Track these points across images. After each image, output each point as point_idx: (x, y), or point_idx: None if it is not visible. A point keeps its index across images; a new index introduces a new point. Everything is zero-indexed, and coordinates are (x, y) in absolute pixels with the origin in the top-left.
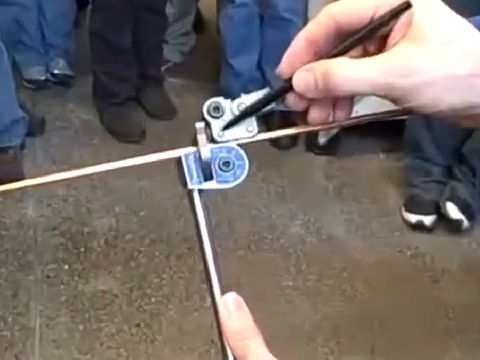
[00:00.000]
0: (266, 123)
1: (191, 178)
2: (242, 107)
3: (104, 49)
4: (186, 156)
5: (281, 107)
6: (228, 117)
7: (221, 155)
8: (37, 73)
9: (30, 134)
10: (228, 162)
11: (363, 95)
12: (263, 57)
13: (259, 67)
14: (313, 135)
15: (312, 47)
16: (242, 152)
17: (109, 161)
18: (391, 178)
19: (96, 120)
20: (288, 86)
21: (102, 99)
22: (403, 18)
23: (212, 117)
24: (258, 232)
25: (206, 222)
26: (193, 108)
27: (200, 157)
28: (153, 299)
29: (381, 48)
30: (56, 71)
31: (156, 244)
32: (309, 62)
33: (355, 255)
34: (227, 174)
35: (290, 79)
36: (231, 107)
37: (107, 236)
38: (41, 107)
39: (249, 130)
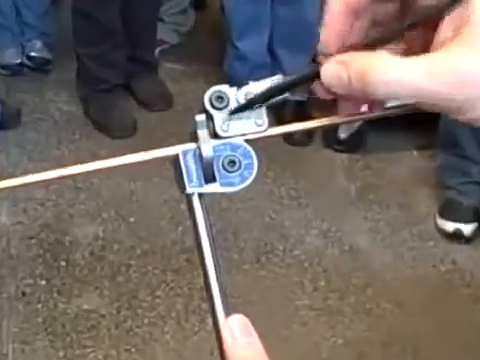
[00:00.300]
0: (277, 115)
1: (190, 180)
2: (250, 97)
3: (89, 29)
4: (184, 154)
5: (296, 96)
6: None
7: (225, 153)
8: (11, 56)
9: (3, 127)
10: (234, 161)
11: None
12: (274, 38)
13: (270, 50)
14: (332, 129)
15: (350, 15)
16: (250, 149)
17: (94, 159)
18: (424, 179)
19: (79, 111)
20: (315, 73)
21: (87, 87)
22: (456, 12)
23: (215, 108)
24: (268, 242)
25: (207, 231)
26: (192, 97)
27: (201, 155)
28: (146, 320)
29: (426, 40)
30: (33, 54)
31: (149, 256)
32: (348, 34)
33: (382, 269)
34: (232, 175)
35: (316, 64)
36: (237, 96)
37: (92, 246)
38: (16, 96)
39: (258, 123)
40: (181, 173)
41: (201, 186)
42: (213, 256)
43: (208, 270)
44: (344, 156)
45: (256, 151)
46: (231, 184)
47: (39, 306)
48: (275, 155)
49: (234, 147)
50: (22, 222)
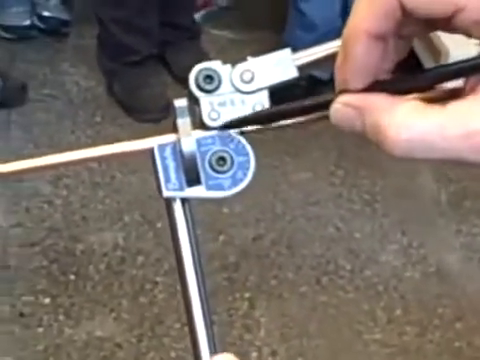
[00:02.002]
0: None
1: (167, 180)
2: (247, 77)
3: None
4: (161, 148)
5: None
6: (226, 90)
7: (214, 148)
8: (18, 16)
9: (4, 105)
10: (224, 158)
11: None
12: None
13: (343, 14)
14: None
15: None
16: (246, 144)
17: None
18: None
19: (101, 88)
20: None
21: (112, 58)
22: None
23: (202, 90)
24: (332, 259)
25: (191, 246)
26: None
27: (181, 151)
28: (173, 353)
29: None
30: (46, 13)
31: None
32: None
33: (477, 298)
34: (222, 176)
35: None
36: (231, 76)
37: (110, 258)
38: (22, 66)
39: (257, 110)
40: (157, 172)
41: (181, 189)
42: (197, 278)
43: (190, 295)
44: None
45: (254, 145)
46: (220, 187)
47: (40, 330)
48: (345, 148)
49: (225, 140)
50: (23, 224)
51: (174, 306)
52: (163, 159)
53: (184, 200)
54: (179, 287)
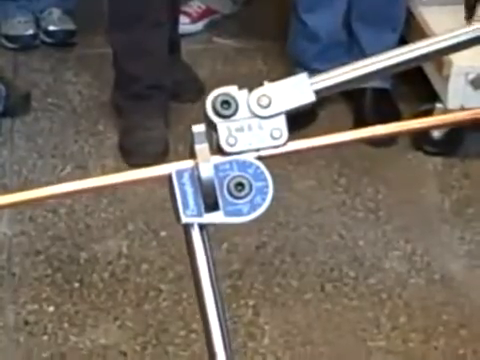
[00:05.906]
0: (355, 103)
1: (186, 207)
2: (265, 102)
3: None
4: (179, 174)
5: (376, 83)
6: (244, 115)
7: (232, 173)
8: (21, 26)
9: (8, 114)
10: (242, 184)
11: None
12: (353, 10)
13: (346, 25)
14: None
15: None
16: (264, 169)
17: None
18: None
19: (104, 96)
20: None
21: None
22: None
23: (220, 116)
24: (336, 266)
25: (209, 270)
26: (249, 81)
27: (199, 176)
28: None
29: None
30: (52, 28)
31: (184, 280)
32: None
33: None
34: (240, 202)
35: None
36: (249, 101)
37: (114, 266)
38: (25, 76)
39: (275, 136)
40: (175, 198)
41: (200, 215)
42: (216, 301)
43: (208, 316)
44: (437, 160)
45: (272, 170)
46: (238, 213)
47: (45, 338)
48: (349, 157)
49: (243, 166)
50: (27, 233)
51: (179, 314)
52: (181, 185)
53: (202, 226)
54: (184, 295)
